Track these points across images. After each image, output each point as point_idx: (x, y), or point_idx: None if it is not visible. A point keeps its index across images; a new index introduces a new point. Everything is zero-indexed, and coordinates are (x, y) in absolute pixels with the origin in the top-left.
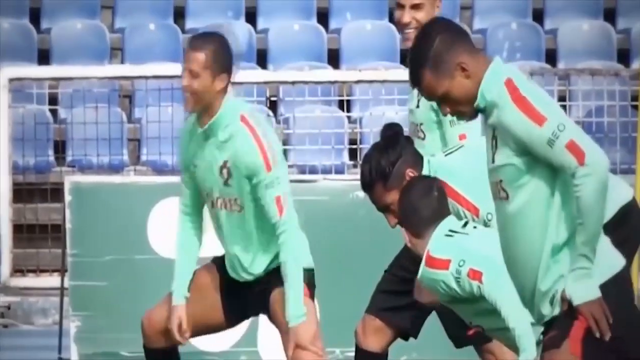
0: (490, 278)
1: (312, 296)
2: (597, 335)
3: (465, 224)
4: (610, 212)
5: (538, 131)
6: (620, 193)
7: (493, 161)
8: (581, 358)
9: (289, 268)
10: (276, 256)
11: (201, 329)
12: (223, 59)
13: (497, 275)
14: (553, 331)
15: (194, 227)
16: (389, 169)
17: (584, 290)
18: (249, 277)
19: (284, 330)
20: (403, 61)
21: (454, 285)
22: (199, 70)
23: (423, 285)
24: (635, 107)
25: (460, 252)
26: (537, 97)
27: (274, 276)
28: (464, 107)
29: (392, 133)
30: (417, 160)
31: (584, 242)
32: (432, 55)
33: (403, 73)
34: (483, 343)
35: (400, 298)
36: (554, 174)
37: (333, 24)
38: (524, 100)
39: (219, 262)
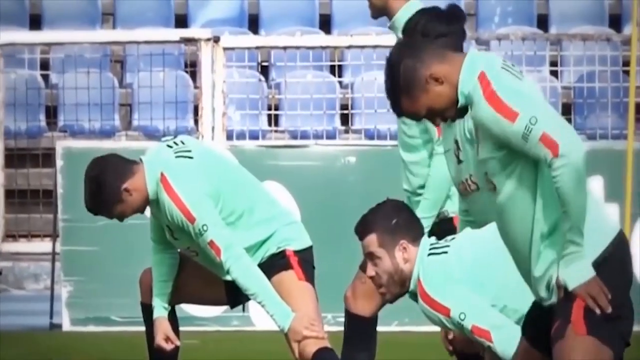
0: (499, 337)
1: (307, 277)
2: (598, 312)
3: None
4: (595, 251)
5: (511, 127)
6: (605, 234)
7: (478, 154)
8: (587, 332)
9: (243, 288)
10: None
11: (201, 300)
12: (111, 190)
13: (504, 330)
14: (556, 322)
15: (165, 249)
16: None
17: (577, 272)
18: None
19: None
20: None
21: (455, 328)
22: (120, 213)
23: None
24: (626, 72)
25: (459, 300)
26: (509, 90)
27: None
28: (449, 111)
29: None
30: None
31: (570, 228)
32: (402, 84)
33: (395, 38)
34: None
35: None
36: (536, 162)
37: None
38: (495, 97)
39: None
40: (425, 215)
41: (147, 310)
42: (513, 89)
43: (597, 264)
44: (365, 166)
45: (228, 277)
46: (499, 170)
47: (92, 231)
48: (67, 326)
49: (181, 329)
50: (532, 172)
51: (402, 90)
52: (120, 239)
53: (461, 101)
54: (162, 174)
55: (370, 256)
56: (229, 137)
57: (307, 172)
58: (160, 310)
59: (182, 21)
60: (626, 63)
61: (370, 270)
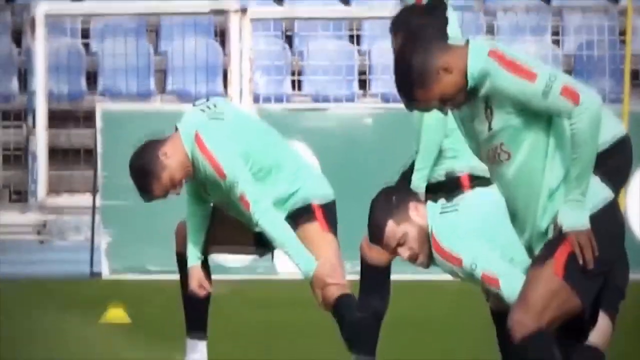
0: (507, 283)
1: (330, 228)
2: (581, 262)
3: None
4: (605, 140)
5: (532, 86)
6: (615, 126)
7: (490, 128)
8: (562, 279)
9: (270, 239)
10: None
11: (232, 250)
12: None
13: (511, 277)
14: (541, 251)
15: (199, 202)
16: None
17: (574, 218)
18: None
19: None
20: None
21: (466, 276)
22: (168, 187)
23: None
24: (622, 41)
25: (470, 251)
26: (522, 57)
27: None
28: (459, 97)
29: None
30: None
31: (578, 174)
32: (415, 78)
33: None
34: None
35: None
36: (549, 125)
37: None
38: (512, 63)
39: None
40: (418, 166)
41: (181, 259)
42: (524, 56)
43: (592, 219)
44: (381, 127)
45: (257, 229)
46: (515, 137)
47: (129, 187)
48: (106, 274)
49: (212, 277)
50: (544, 135)
51: (415, 84)
52: None
53: (471, 84)
54: (197, 133)
55: (398, 243)
56: (256, 100)
57: (327, 133)
58: (194, 259)
59: None
60: (622, 32)
61: (405, 252)
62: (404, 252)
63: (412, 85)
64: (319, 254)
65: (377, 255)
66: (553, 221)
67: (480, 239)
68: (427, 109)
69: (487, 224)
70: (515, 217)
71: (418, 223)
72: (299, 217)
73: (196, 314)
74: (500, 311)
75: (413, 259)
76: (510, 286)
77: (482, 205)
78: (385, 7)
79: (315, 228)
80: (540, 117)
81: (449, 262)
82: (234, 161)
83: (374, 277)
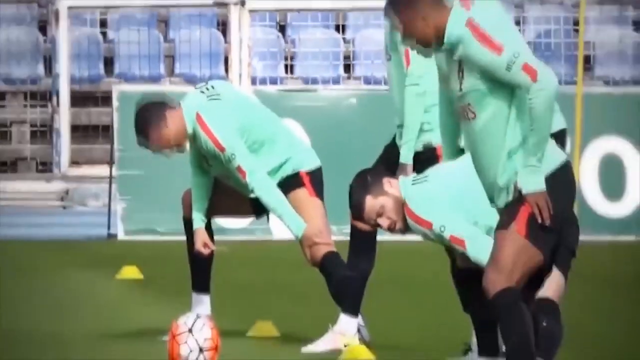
0: (472, 244)
1: (317, 193)
2: (540, 221)
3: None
4: (548, 168)
5: (498, 59)
6: (555, 154)
7: (460, 89)
8: (525, 237)
9: (265, 203)
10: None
11: (232, 213)
12: (155, 113)
13: (476, 239)
14: (504, 215)
15: (202, 173)
16: (371, 181)
17: (532, 182)
18: None
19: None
20: None
21: (437, 238)
22: (161, 143)
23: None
24: (576, 30)
25: (439, 216)
26: (494, 29)
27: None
28: (425, 46)
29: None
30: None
31: (535, 143)
32: (402, 7)
33: None
34: None
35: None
36: (512, 94)
37: None
38: (484, 35)
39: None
40: (405, 140)
41: (188, 223)
42: (498, 27)
43: (547, 180)
44: (364, 106)
45: (252, 195)
46: (480, 100)
47: (142, 159)
48: (121, 236)
49: (214, 238)
50: (506, 102)
51: (399, 13)
52: (164, 165)
53: (446, 45)
54: (197, 114)
55: (377, 215)
56: (253, 82)
57: (316, 111)
58: (199, 222)
59: None
60: (576, 22)
61: (384, 222)
62: (383, 222)
63: (397, 10)
64: (307, 217)
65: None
66: (511, 180)
67: (447, 205)
68: (401, 30)
69: (454, 191)
70: (480, 173)
71: (393, 194)
72: (289, 184)
73: (201, 271)
74: (465, 268)
75: (392, 228)
76: (475, 247)
77: (449, 175)
78: (368, 0)
79: (304, 193)
80: (504, 86)
81: (420, 227)
82: (231, 136)
83: (362, 241)
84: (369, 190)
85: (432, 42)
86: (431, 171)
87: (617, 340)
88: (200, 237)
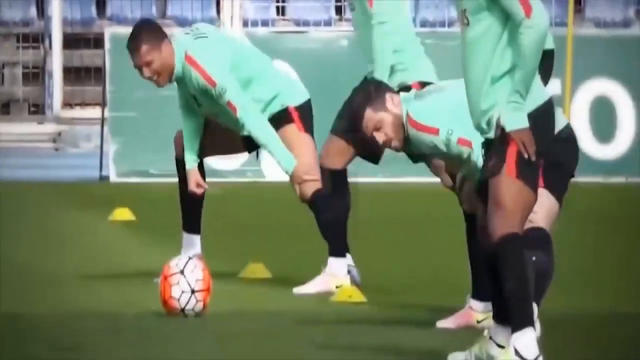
0: (478, 147)
1: (306, 128)
2: (526, 156)
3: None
4: (529, 107)
5: None
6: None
7: None
8: (516, 176)
9: (256, 139)
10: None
11: (224, 151)
12: (155, 34)
13: (479, 144)
14: (492, 158)
15: (191, 114)
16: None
17: (516, 120)
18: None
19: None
20: None
21: (442, 147)
22: (148, 59)
23: (410, 140)
24: None
25: (446, 122)
26: None
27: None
28: None
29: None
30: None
31: (520, 80)
32: None
33: None
34: None
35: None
36: (507, 18)
37: None
38: None
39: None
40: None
41: (180, 163)
42: None
43: (531, 116)
44: (355, 49)
45: (244, 132)
46: (476, 11)
47: (134, 101)
48: (113, 178)
49: (206, 179)
50: (500, 23)
51: None
52: (156, 106)
53: None
54: (186, 53)
55: (375, 128)
56: (245, 24)
57: (307, 53)
58: (191, 163)
59: None
60: None
61: (381, 137)
62: (379, 136)
63: None
64: (297, 153)
65: (335, 160)
66: (492, 107)
67: (453, 113)
68: None
69: (453, 104)
70: (467, 89)
71: (393, 111)
72: (278, 119)
73: (192, 212)
74: (472, 213)
75: (387, 143)
76: (478, 151)
77: (448, 90)
78: None
79: (293, 129)
80: (501, 8)
81: (427, 134)
82: (221, 71)
83: (333, 181)
84: (371, 103)
85: None
86: (431, 87)
87: (604, 275)
88: (193, 177)
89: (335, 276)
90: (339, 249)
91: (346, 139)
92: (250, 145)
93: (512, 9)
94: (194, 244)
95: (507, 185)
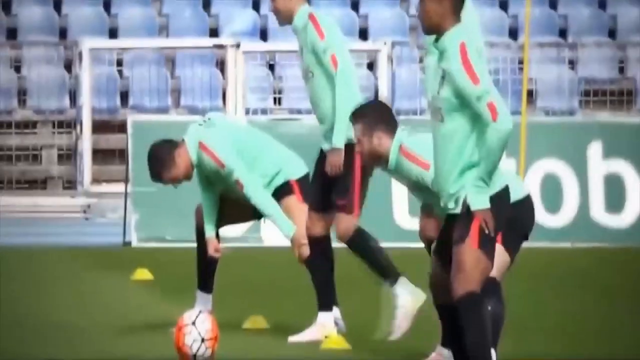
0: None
1: (304, 199)
2: (487, 232)
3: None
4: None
5: (473, 88)
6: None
7: (438, 93)
8: (477, 246)
9: (260, 210)
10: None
11: (237, 221)
12: (165, 155)
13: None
14: (458, 229)
15: (209, 190)
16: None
17: (480, 201)
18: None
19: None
20: (361, 36)
21: (427, 181)
22: (169, 177)
23: (393, 169)
24: (521, 68)
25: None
26: (477, 64)
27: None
28: (438, 31)
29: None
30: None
31: (485, 169)
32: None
33: (362, 44)
34: None
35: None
36: (477, 118)
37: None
38: (469, 64)
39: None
40: (335, 129)
41: (200, 232)
42: (480, 65)
43: (495, 197)
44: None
45: (251, 202)
46: (451, 109)
47: None
48: (135, 243)
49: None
50: (471, 123)
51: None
52: None
53: (440, 49)
54: (200, 142)
55: (359, 138)
56: (247, 112)
57: (300, 137)
58: (210, 232)
59: (214, 32)
60: (521, 62)
61: (357, 147)
62: (357, 146)
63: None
64: (297, 221)
65: (318, 228)
66: (459, 192)
67: None
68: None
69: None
70: (436, 174)
71: (374, 146)
72: (281, 191)
73: (207, 273)
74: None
75: (360, 154)
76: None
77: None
78: (349, 43)
79: (294, 200)
80: (474, 112)
81: (416, 165)
82: (229, 154)
83: (318, 245)
84: (375, 120)
85: (441, 30)
86: (418, 133)
87: (555, 325)
88: (212, 243)
89: (325, 326)
90: (325, 304)
91: (321, 212)
92: (258, 213)
93: (482, 114)
94: (207, 301)
95: (469, 253)
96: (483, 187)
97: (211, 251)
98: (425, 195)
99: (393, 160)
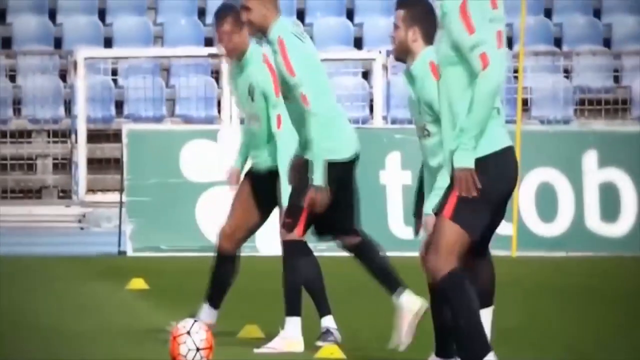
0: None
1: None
2: (462, 194)
3: None
4: (481, 152)
5: (467, 37)
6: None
7: (437, 50)
8: (450, 219)
9: (280, 165)
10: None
11: (250, 232)
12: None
13: None
14: (442, 198)
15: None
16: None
17: (460, 159)
18: (269, 163)
19: None
20: (355, 45)
21: (437, 109)
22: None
23: (414, 75)
24: (516, 77)
25: None
26: (475, 16)
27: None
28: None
29: None
30: None
31: (469, 124)
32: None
33: (356, 53)
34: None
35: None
36: (471, 73)
37: (308, 19)
38: (466, 14)
39: (249, 176)
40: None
41: (220, 254)
42: (477, 14)
43: (479, 161)
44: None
45: (267, 161)
46: (446, 64)
47: (148, 187)
48: (130, 252)
49: (205, 254)
50: (468, 78)
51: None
52: (166, 192)
53: (443, 8)
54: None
55: (395, 25)
56: (242, 122)
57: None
58: (237, 165)
59: (209, 42)
60: (516, 71)
61: (393, 33)
62: (397, 32)
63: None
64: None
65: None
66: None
67: None
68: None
69: None
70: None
71: (407, 38)
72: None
73: (220, 291)
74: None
75: (395, 39)
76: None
77: None
78: (339, 52)
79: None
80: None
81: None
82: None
83: (292, 249)
84: (414, 7)
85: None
86: None
87: (547, 332)
88: (236, 174)
89: (286, 337)
90: (292, 309)
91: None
92: (268, 210)
93: (473, 63)
94: (213, 316)
95: (443, 225)
96: (465, 144)
97: (232, 180)
98: (427, 137)
99: (418, 66)
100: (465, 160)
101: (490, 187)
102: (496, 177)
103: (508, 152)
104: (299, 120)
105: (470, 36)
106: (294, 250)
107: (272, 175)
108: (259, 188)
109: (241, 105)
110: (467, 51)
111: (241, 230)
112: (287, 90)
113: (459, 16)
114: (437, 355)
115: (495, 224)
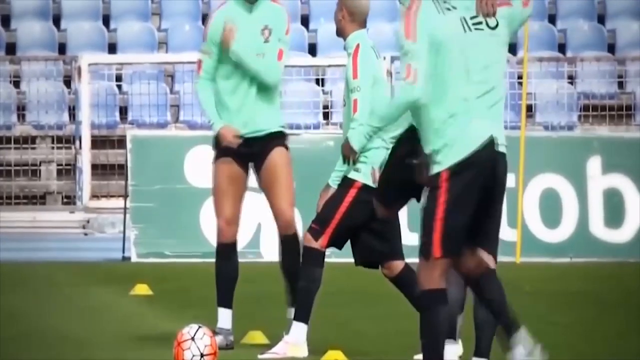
0: None
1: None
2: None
3: None
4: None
5: (402, 40)
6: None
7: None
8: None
9: (352, 143)
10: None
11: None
12: None
13: None
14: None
15: (211, 80)
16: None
17: (351, 135)
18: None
19: (270, 185)
20: None
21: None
22: None
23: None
24: (520, 83)
25: None
26: (421, 22)
27: (274, 137)
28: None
29: None
30: None
31: (380, 115)
32: None
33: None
34: None
35: None
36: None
37: (312, 25)
38: (410, 19)
39: (230, 150)
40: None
41: (221, 249)
42: (420, 23)
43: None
44: (340, 148)
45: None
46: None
47: (152, 193)
48: (134, 258)
49: (209, 260)
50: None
51: None
52: (171, 198)
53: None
54: (357, 44)
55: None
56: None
57: (299, 152)
58: (220, 124)
59: None
60: (520, 77)
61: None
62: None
63: None
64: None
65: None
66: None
67: None
68: None
69: None
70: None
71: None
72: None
73: (228, 290)
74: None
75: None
76: None
77: None
78: (343, 58)
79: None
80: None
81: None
82: (367, 75)
83: (312, 257)
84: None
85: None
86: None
87: (557, 335)
88: (228, 130)
89: (290, 342)
90: (302, 315)
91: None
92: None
93: (401, 69)
94: (228, 316)
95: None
96: (357, 128)
97: (230, 139)
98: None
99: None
100: (354, 139)
101: (398, 169)
102: (469, 181)
103: (477, 155)
104: (347, 124)
105: (405, 41)
106: (313, 260)
107: (262, 141)
108: (242, 160)
109: (242, 47)
110: (402, 55)
111: (238, 212)
112: (346, 94)
113: (403, 17)
114: (475, 355)
115: (486, 224)
